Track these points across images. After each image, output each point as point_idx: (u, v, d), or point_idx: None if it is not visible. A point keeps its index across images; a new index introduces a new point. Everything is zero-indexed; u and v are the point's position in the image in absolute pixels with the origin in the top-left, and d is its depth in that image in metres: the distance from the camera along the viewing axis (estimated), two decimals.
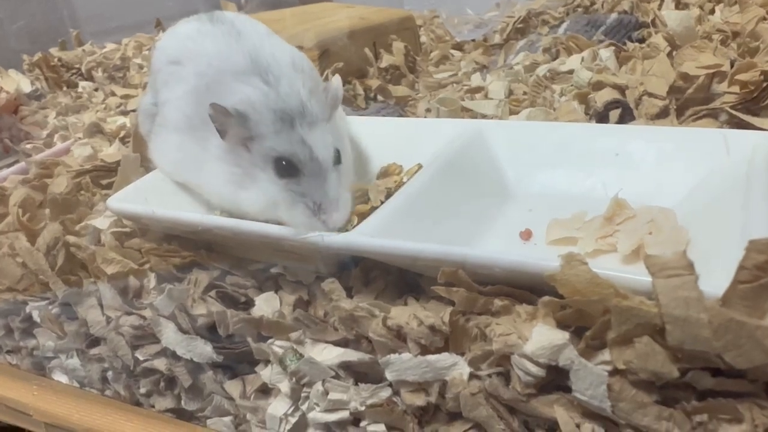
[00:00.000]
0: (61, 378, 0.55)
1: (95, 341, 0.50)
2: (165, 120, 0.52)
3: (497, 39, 0.95)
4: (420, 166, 0.50)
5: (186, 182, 0.52)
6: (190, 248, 0.49)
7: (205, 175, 0.48)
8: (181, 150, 0.50)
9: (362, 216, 0.45)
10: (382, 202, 0.46)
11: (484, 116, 0.63)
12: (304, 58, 0.52)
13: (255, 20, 0.55)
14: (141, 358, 0.47)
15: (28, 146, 0.81)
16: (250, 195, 0.45)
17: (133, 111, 0.82)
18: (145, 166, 0.58)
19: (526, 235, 0.45)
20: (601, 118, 0.56)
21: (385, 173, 0.53)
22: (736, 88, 0.51)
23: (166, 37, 0.57)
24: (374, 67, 0.83)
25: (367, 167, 0.55)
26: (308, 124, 0.45)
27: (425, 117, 0.66)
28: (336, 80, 0.49)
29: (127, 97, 0.93)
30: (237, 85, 0.46)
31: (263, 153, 0.44)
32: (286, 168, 0.44)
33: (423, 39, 1.01)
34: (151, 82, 0.57)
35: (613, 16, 0.84)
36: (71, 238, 0.50)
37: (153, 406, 0.49)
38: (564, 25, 0.87)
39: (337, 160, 0.45)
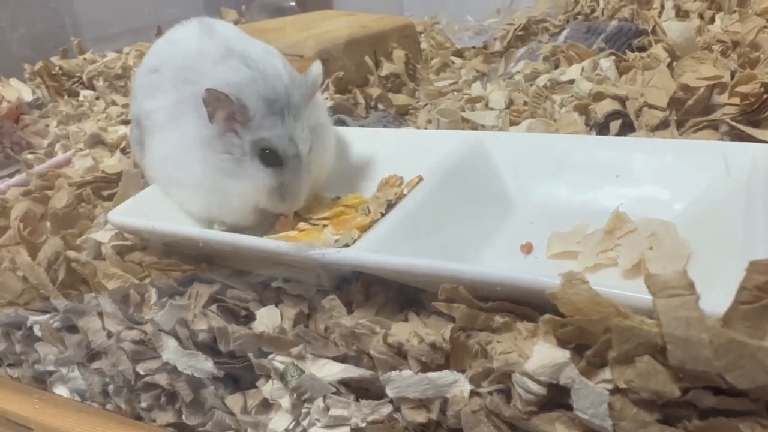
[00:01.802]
0: (62, 391, 0.55)
1: (96, 355, 0.50)
2: (151, 128, 0.52)
3: (498, 46, 0.95)
4: (420, 178, 0.50)
5: (167, 183, 0.51)
6: (190, 262, 0.49)
7: (185, 165, 0.48)
8: (165, 146, 0.50)
9: (363, 230, 0.45)
10: (383, 215, 0.46)
11: (484, 127, 0.63)
12: (274, 49, 0.53)
13: (227, 23, 0.56)
14: (142, 373, 0.47)
15: (30, 156, 0.81)
16: (238, 182, 0.47)
17: None
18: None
19: (527, 248, 0.45)
20: (602, 129, 0.56)
21: (385, 185, 0.53)
22: (736, 100, 0.51)
23: (145, 56, 0.57)
24: (374, 76, 0.83)
25: (368, 179, 0.55)
26: (294, 116, 0.47)
27: (426, 128, 0.66)
28: (316, 66, 0.50)
29: (128, 106, 0.93)
30: (216, 69, 0.47)
31: (254, 140, 0.46)
32: (272, 158, 0.47)
33: (423, 45, 1.01)
34: (132, 98, 0.57)
35: (614, 23, 0.84)
36: (72, 253, 0.50)
37: (154, 421, 0.49)
38: (564, 33, 0.87)
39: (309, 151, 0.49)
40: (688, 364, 0.28)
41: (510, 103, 0.67)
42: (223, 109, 0.45)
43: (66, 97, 1.06)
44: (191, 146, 0.48)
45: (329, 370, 0.39)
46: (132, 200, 0.52)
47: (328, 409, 0.39)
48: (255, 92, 0.46)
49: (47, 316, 0.52)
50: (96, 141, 0.77)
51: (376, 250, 0.40)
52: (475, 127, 0.63)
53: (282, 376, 0.40)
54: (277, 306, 0.45)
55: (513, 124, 0.62)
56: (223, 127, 0.46)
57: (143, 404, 0.48)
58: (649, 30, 0.79)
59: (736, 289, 0.28)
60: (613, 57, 0.69)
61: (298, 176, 0.48)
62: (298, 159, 0.47)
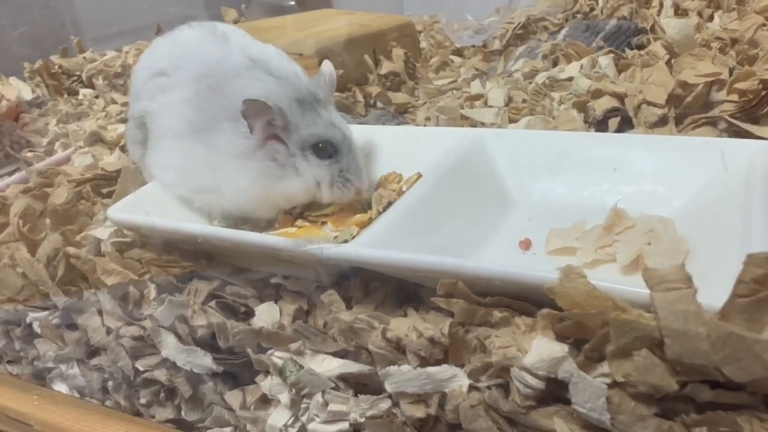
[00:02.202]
0: (61, 388, 0.55)
1: (95, 351, 0.50)
2: (161, 131, 0.52)
3: (497, 45, 0.95)
4: (419, 175, 0.50)
5: (193, 190, 0.51)
6: (190, 258, 0.49)
7: (224, 176, 0.48)
8: (188, 156, 0.50)
9: (362, 226, 0.45)
10: (380, 212, 0.46)
11: (483, 124, 0.63)
12: (283, 53, 0.54)
13: (232, 26, 0.56)
14: (141, 369, 0.47)
15: (29, 154, 0.81)
16: (292, 183, 0.48)
17: None
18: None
19: (526, 245, 0.45)
20: (601, 126, 0.56)
21: (384, 182, 0.53)
22: (734, 97, 0.51)
23: (146, 54, 0.57)
24: (374, 74, 0.83)
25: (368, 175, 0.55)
26: (326, 108, 0.49)
27: (425, 125, 0.66)
28: (327, 65, 0.52)
29: (127, 104, 0.93)
30: (247, 81, 0.48)
31: (302, 139, 0.47)
32: (327, 150, 0.48)
33: (423, 44, 1.02)
34: (133, 101, 0.56)
35: (613, 22, 0.84)
36: (71, 250, 0.50)
37: (153, 417, 0.49)
38: (563, 32, 0.87)
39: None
40: (685, 357, 0.28)
41: (509, 100, 0.67)
42: (261, 118, 0.46)
43: (65, 95, 1.06)
44: (227, 157, 0.48)
45: (328, 366, 0.39)
46: (131, 197, 0.52)
47: (327, 405, 0.39)
48: (285, 97, 0.47)
49: (46, 312, 0.52)
50: (95, 139, 0.77)
51: (375, 246, 0.40)
52: (474, 124, 0.63)
53: (281, 372, 0.41)
54: (276, 302, 0.45)
55: (512, 121, 0.62)
56: (263, 135, 0.47)
57: (142, 400, 0.48)
58: (648, 28, 0.79)
59: (734, 283, 0.28)
60: (612, 55, 0.70)
61: (355, 157, 0.49)
62: (348, 142, 0.49)
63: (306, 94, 0.48)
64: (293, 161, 0.48)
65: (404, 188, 0.50)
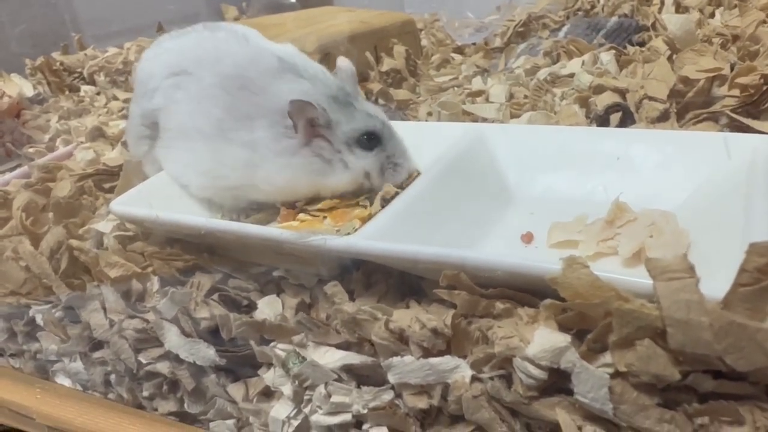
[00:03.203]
0: (64, 381, 0.55)
1: (98, 344, 0.50)
2: (182, 130, 0.51)
3: (498, 42, 0.95)
4: (418, 172, 0.50)
5: (222, 189, 0.51)
6: (192, 251, 0.49)
7: (264, 174, 0.49)
8: (218, 156, 0.50)
9: (363, 221, 0.45)
10: (382, 207, 0.46)
11: (485, 120, 0.63)
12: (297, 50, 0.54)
13: (246, 26, 0.56)
14: (144, 362, 0.47)
15: (31, 150, 0.81)
16: (342, 176, 0.49)
17: None
18: None
19: (528, 238, 0.45)
20: (602, 121, 0.57)
21: None
22: (736, 92, 0.51)
23: (157, 53, 0.57)
24: (375, 71, 0.83)
25: None
26: (356, 99, 0.50)
27: (426, 120, 0.66)
28: (343, 61, 0.53)
29: (129, 101, 0.93)
30: (281, 83, 0.49)
31: (346, 136, 0.49)
32: (370, 141, 0.49)
33: (424, 42, 1.02)
34: (142, 99, 0.56)
35: (614, 19, 0.84)
36: (74, 242, 0.50)
37: (156, 410, 0.49)
38: (564, 29, 0.87)
39: None
40: (688, 347, 0.28)
41: (510, 96, 0.68)
42: (304, 117, 0.47)
43: (67, 92, 1.06)
44: (267, 155, 0.49)
45: (331, 357, 0.39)
46: (134, 190, 0.52)
47: (330, 396, 0.39)
48: (322, 95, 0.49)
49: (49, 305, 0.52)
50: (97, 134, 0.77)
51: (377, 238, 0.40)
52: (476, 119, 0.63)
53: (284, 364, 0.41)
54: (278, 296, 0.45)
55: (514, 116, 0.62)
56: (307, 133, 0.48)
57: (145, 393, 0.49)
58: (650, 26, 0.79)
59: (736, 272, 0.28)
60: (614, 51, 0.70)
61: (398, 141, 0.50)
62: (388, 128, 0.50)
63: (338, 91, 0.50)
64: (339, 156, 0.49)
65: (403, 185, 0.50)
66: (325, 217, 0.50)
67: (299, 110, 0.47)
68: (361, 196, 0.50)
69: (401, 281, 0.42)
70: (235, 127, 0.49)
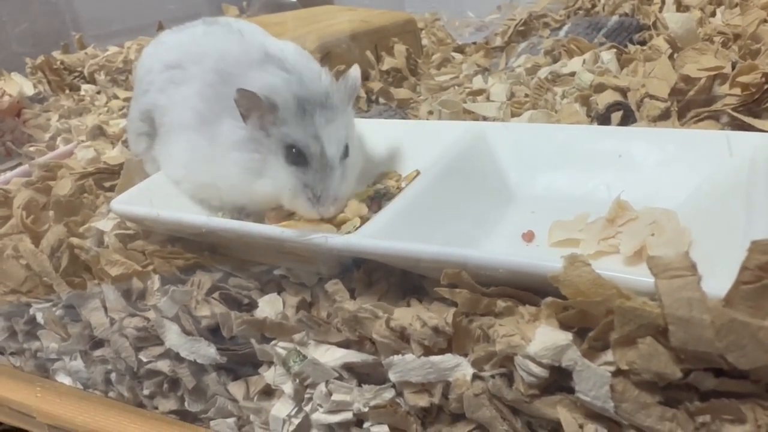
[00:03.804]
0: (64, 380, 0.55)
1: (99, 343, 0.50)
2: (171, 125, 0.51)
3: (498, 41, 0.95)
4: (418, 173, 0.50)
5: (199, 185, 0.51)
6: (193, 250, 0.49)
7: (219, 169, 0.48)
8: (192, 148, 0.50)
9: (364, 218, 0.45)
10: (380, 207, 0.46)
11: (485, 118, 0.63)
12: (305, 50, 0.53)
13: (247, 21, 0.56)
14: (144, 360, 0.47)
15: (31, 149, 0.81)
16: (263, 180, 0.46)
17: None
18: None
19: (529, 236, 0.45)
20: (603, 120, 0.56)
21: (383, 179, 0.53)
22: (737, 90, 0.51)
23: (156, 49, 0.57)
24: (376, 70, 0.83)
25: (369, 169, 0.55)
26: (326, 117, 0.46)
27: (427, 119, 0.66)
28: (355, 70, 0.50)
29: (129, 99, 0.93)
30: (256, 74, 0.47)
31: (279, 138, 0.46)
32: (296, 156, 0.46)
33: (424, 41, 1.02)
34: (140, 95, 0.56)
35: (614, 18, 0.84)
36: (75, 240, 0.50)
37: (156, 408, 0.49)
38: (565, 28, 0.87)
39: (345, 153, 0.47)
40: (689, 345, 0.28)
41: (511, 95, 0.68)
42: (255, 109, 0.45)
43: (67, 91, 1.06)
44: (224, 149, 0.47)
45: (331, 356, 0.39)
46: (135, 189, 0.52)
47: (331, 395, 0.39)
48: (288, 92, 0.46)
49: (50, 304, 0.52)
50: (98, 133, 0.77)
51: (378, 237, 0.40)
52: (476, 118, 0.63)
53: (284, 362, 0.41)
54: (279, 294, 0.45)
55: (514, 115, 0.62)
56: (256, 127, 0.46)
57: (145, 391, 0.49)
58: (650, 25, 0.79)
59: (738, 270, 0.28)
60: (614, 50, 0.70)
61: (326, 178, 0.45)
62: (323, 158, 0.45)
63: (315, 95, 0.46)
64: (270, 158, 0.46)
65: (403, 185, 0.50)
66: None
67: (245, 100, 0.44)
68: None
69: (402, 279, 0.42)
70: (209, 119, 0.48)
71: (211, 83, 0.49)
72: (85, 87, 1.05)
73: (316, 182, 0.45)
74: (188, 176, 0.51)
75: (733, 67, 0.53)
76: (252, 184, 0.47)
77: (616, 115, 0.56)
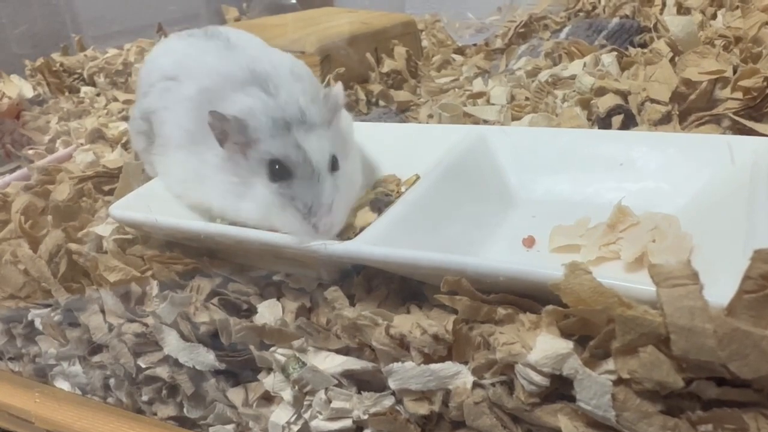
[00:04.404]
0: (63, 385, 0.55)
1: (97, 348, 0.50)
2: (167, 139, 0.51)
3: (499, 43, 0.95)
4: (417, 177, 0.50)
5: (194, 202, 0.50)
6: (192, 255, 0.49)
7: (206, 189, 0.48)
8: (184, 167, 0.49)
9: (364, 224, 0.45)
10: (380, 211, 0.46)
11: (486, 122, 0.63)
12: (303, 66, 0.52)
13: (250, 34, 0.55)
14: (143, 366, 0.47)
15: (30, 152, 0.81)
16: (247, 204, 0.45)
17: None
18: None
19: (529, 242, 0.45)
20: (604, 124, 0.56)
21: (381, 184, 0.52)
22: (738, 94, 0.51)
23: (160, 53, 0.57)
24: (376, 72, 0.83)
25: (368, 173, 0.55)
26: (305, 129, 0.44)
27: (427, 123, 0.66)
28: (337, 87, 0.49)
29: (129, 102, 0.93)
30: (236, 96, 0.46)
31: (258, 157, 0.44)
32: (279, 171, 0.43)
33: (424, 43, 1.01)
34: (141, 96, 0.56)
35: (615, 20, 0.84)
36: (73, 246, 0.50)
37: (155, 414, 0.49)
38: (566, 30, 0.87)
39: (334, 166, 0.45)
40: (691, 354, 0.28)
41: (512, 98, 0.67)
42: (228, 131, 0.44)
43: (67, 93, 1.05)
44: (209, 171, 0.47)
45: (331, 363, 0.39)
46: (133, 194, 0.52)
47: (330, 402, 0.39)
48: (262, 112, 0.44)
49: (48, 309, 0.52)
50: (97, 136, 0.77)
51: (378, 243, 0.40)
52: (477, 122, 0.63)
53: (284, 369, 0.40)
54: (278, 300, 0.45)
55: (515, 118, 0.62)
56: (233, 150, 0.45)
57: (144, 398, 0.48)
58: (651, 27, 0.79)
59: (740, 279, 0.28)
60: (615, 52, 0.69)
61: (314, 186, 0.43)
62: (308, 166, 0.43)
63: (289, 114, 0.44)
64: (251, 179, 0.44)
65: (403, 189, 0.50)
66: None
67: (217, 122, 0.44)
68: None
69: (402, 285, 0.42)
70: (198, 140, 0.48)
71: (198, 103, 0.48)
72: (84, 89, 1.05)
73: (305, 192, 0.43)
74: (184, 192, 0.51)
75: (735, 71, 0.53)
76: (237, 209, 0.46)
77: (617, 119, 0.55)
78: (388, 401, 0.37)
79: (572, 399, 0.32)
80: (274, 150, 0.43)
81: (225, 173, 0.46)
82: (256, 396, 0.43)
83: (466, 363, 0.35)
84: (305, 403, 0.40)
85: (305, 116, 0.45)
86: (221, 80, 0.48)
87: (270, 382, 0.42)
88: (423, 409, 0.36)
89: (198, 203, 0.50)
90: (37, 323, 0.53)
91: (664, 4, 0.85)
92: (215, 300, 0.45)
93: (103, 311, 0.49)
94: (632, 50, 0.71)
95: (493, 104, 0.66)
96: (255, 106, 0.45)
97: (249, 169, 0.45)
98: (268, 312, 0.44)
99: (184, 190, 0.51)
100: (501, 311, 0.35)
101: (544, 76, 0.70)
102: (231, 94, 0.46)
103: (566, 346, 0.32)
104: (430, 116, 0.66)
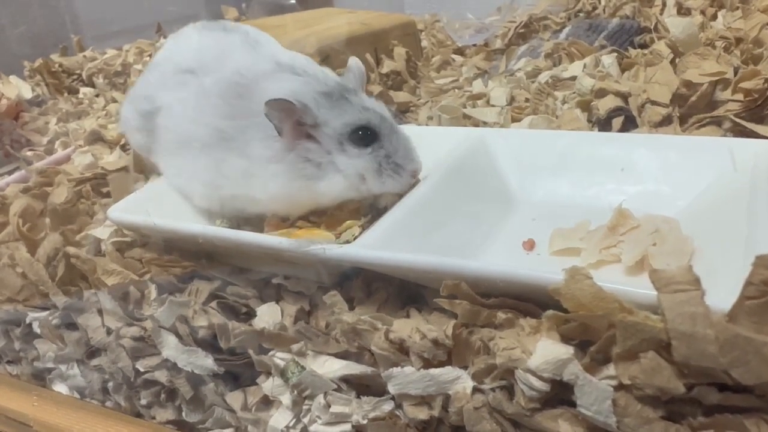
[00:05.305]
0: (61, 389, 0.54)
1: (96, 352, 0.50)
2: (186, 138, 0.50)
3: (498, 44, 0.95)
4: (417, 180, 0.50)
5: (225, 199, 0.49)
6: (190, 258, 0.48)
7: (257, 184, 0.46)
8: (220, 168, 0.48)
9: (364, 226, 0.45)
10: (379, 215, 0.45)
11: (485, 124, 0.62)
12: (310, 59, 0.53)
13: (261, 31, 0.55)
14: (142, 370, 0.47)
15: (29, 153, 0.81)
16: (326, 182, 0.45)
17: None
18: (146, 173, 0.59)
19: (529, 245, 0.45)
20: (604, 125, 0.56)
21: None
22: (739, 96, 0.51)
23: (176, 44, 0.56)
24: (375, 73, 0.83)
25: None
26: (356, 95, 0.46)
27: (427, 124, 0.66)
28: (354, 61, 0.50)
29: None
30: (269, 84, 0.46)
31: (334, 132, 0.45)
32: (367, 136, 0.45)
33: (424, 44, 1.01)
34: (145, 90, 0.55)
35: (615, 21, 0.84)
36: (71, 249, 0.50)
37: (154, 418, 0.48)
38: (566, 30, 0.86)
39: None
40: (693, 360, 0.28)
41: (511, 99, 0.67)
42: (288, 118, 0.44)
43: (66, 94, 1.05)
44: (260, 163, 0.46)
45: (330, 367, 0.39)
46: (132, 197, 0.51)
47: (329, 406, 0.39)
48: (311, 91, 0.45)
49: (46, 312, 0.52)
50: (96, 138, 0.76)
51: (377, 247, 0.40)
52: (476, 123, 0.63)
53: (283, 373, 0.40)
54: (277, 303, 0.45)
55: (515, 120, 0.62)
56: (293, 137, 0.45)
57: (143, 401, 0.48)
58: (651, 27, 0.79)
59: (742, 285, 0.27)
60: (615, 54, 0.69)
61: (401, 138, 0.46)
62: (388, 123, 0.46)
63: (334, 87, 0.46)
64: (330, 158, 0.45)
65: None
66: (317, 225, 0.50)
67: (277, 110, 0.43)
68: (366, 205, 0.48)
69: (402, 289, 0.41)
70: (233, 136, 0.47)
71: (227, 98, 0.47)
72: (83, 90, 1.05)
73: (396, 146, 0.45)
74: (208, 193, 0.50)
75: (735, 73, 0.53)
76: (314, 192, 0.45)
77: (617, 121, 0.55)
78: (388, 406, 0.37)
79: (573, 404, 0.31)
80: (353, 119, 0.45)
81: (288, 162, 0.45)
82: (255, 400, 0.43)
83: (465, 368, 0.35)
84: (304, 407, 0.40)
85: (346, 86, 0.47)
86: (247, 73, 0.48)
87: (269, 386, 0.41)
88: (422, 414, 0.36)
89: (240, 202, 0.48)
90: (35, 326, 0.53)
91: (664, 5, 0.85)
92: (214, 303, 0.45)
93: (101, 314, 0.49)
94: (632, 51, 0.70)
95: (493, 105, 0.66)
96: (301, 88, 0.45)
97: (324, 149, 0.45)
98: (267, 315, 0.43)
99: (213, 190, 0.49)
100: (501, 315, 0.35)
101: (544, 77, 0.70)
102: (261, 84, 0.46)
103: (567, 351, 0.31)
104: (430, 118, 0.66)
